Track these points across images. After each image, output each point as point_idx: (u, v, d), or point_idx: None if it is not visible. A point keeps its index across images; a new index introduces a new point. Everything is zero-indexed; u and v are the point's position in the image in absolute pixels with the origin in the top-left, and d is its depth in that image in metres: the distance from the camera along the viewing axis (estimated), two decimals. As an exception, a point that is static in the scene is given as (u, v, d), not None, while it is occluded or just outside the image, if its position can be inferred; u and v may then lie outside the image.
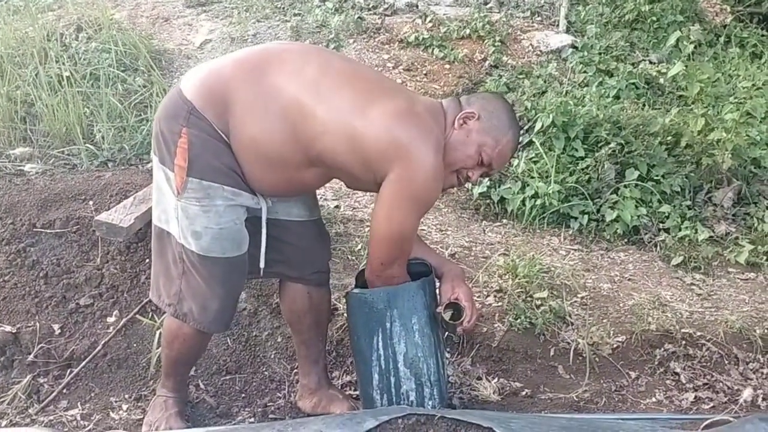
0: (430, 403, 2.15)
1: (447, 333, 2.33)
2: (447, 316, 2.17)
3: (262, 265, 2.17)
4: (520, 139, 3.74)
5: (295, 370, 2.59)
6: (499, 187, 3.61)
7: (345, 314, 2.56)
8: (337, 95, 1.96)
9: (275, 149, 1.97)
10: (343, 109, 1.95)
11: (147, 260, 2.80)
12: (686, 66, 4.60)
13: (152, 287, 2.20)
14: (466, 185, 2.26)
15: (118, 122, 3.75)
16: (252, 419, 2.44)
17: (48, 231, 2.86)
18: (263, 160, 1.99)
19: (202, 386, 2.58)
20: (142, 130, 3.66)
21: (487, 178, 3.47)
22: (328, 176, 2.09)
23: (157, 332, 2.56)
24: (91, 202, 2.95)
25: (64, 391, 2.54)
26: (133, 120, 3.75)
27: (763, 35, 5.27)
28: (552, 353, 2.68)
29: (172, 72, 4.31)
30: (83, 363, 2.59)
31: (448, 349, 2.63)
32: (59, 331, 2.67)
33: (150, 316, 2.65)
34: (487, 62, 4.62)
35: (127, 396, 2.53)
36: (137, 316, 2.69)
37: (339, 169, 2.01)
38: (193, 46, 4.59)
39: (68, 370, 2.60)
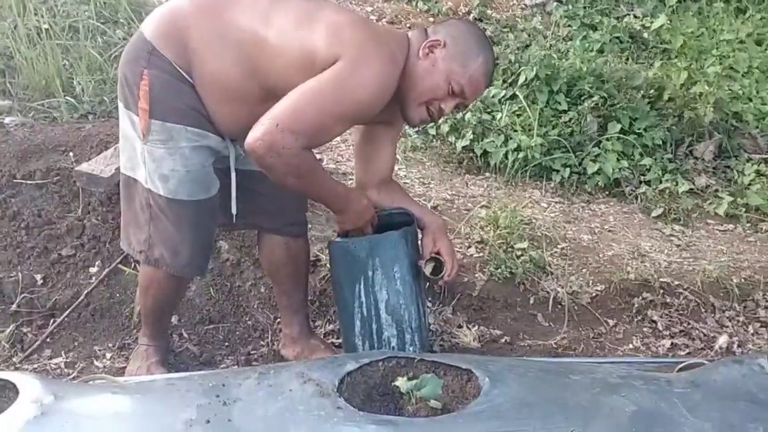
0: (411, 348, 2.18)
1: (428, 284, 2.34)
2: (428, 269, 2.19)
3: (233, 211, 2.16)
4: (505, 89, 3.77)
5: (278, 320, 2.61)
6: (482, 140, 3.61)
7: (327, 265, 2.58)
8: (284, 16, 1.92)
9: (234, 84, 1.95)
10: (290, 27, 1.91)
11: (129, 211, 2.79)
12: (670, 20, 4.60)
13: (122, 236, 2.20)
14: (439, 118, 2.12)
15: (98, 75, 3.70)
16: (235, 366, 2.47)
17: (28, 182, 2.84)
18: (224, 97, 1.97)
19: (185, 335, 2.60)
20: (123, 82, 3.61)
21: (463, 111, 3.26)
22: None
23: (140, 282, 2.57)
24: (71, 154, 2.93)
25: (48, 340, 2.55)
26: (113, 72, 3.69)
27: (748, -11, 5.26)
28: (531, 302, 2.72)
29: (153, 24, 4.23)
30: (66, 312, 2.60)
31: (429, 298, 2.66)
32: (42, 281, 2.67)
33: (132, 266, 2.66)
34: (472, 15, 4.59)
35: (110, 345, 2.55)
36: (119, 266, 2.69)
37: None
38: (174, -3, 4.51)
39: (51, 320, 2.61)
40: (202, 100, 1.98)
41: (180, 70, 1.95)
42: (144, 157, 2.01)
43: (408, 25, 4.49)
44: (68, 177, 2.83)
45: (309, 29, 1.90)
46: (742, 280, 2.83)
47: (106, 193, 2.77)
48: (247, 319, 2.68)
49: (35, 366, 2.44)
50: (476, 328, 2.62)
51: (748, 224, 3.31)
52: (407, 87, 1.98)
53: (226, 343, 2.60)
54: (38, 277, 2.68)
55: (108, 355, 2.51)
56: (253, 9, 1.95)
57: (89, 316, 2.62)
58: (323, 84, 1.84)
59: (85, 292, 2.65)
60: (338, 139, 3.38)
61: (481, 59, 1.99)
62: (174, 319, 2.60)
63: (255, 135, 1.83)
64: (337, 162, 3.43)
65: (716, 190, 3.51)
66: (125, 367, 2.38)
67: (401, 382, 1.65)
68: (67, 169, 2.84)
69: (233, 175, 2.13)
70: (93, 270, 2.72)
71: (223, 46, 1.93)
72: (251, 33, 1.92)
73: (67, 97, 3.52)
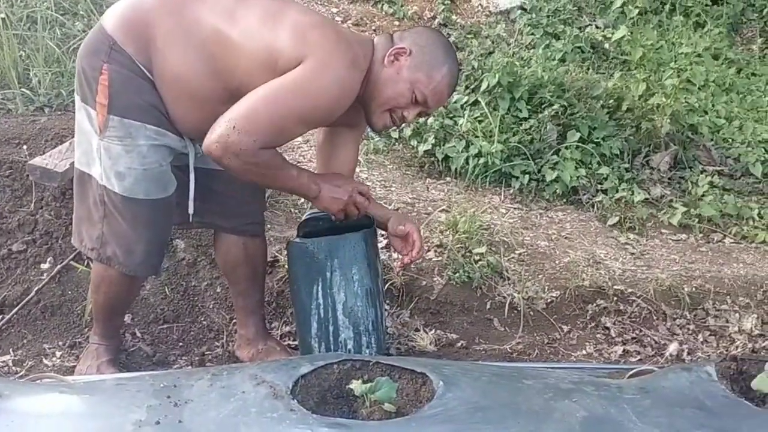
0: (368, 351, 2.18)
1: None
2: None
3: (191, 211, 2.14)
4: (468, 95, 3.79)
5: (234, 320, 2.59)
6: (443, 145, 3.62)
7: (286, 265, 2.57)
8: (250, 15, 1.91)
9: (197, 84, 1.92)
10: (254, 27, 1.89)
11: (83, 207, 2.75)
12: (631, 31, 4.68)
13: (74, 232, 2.16)
14: (401, 125, 2.16)
15: (56, 67, 3.63)
16: (189, 367, 2.44)
17: (-21, 175, 2.77)
18: (186, 97, 1.94)
19: (138, 334, 2.56)
20: (81, 75, 3.55)
21: (425, 118, 3.29)
22: None
23: (93, 279, 2.53)
24: (25, 147, 2.87)
25: (-4, 337, 2.50)
26: (71, 65, 3.62)
27: (707, 5, 5.36)
28: (488, 306, 2.74)
29: (114, 18, 4.18)
30: (15, 309, 2.54)
31: (387, 301, 2.66)
32: (-9, 277, 2.62)
33: (86, 263, 2.61)
34: (437, 20, 4.61)
35: (60, 343, 2.50)
36: (72, 262, 2.64)
37: None
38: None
39: (0, 317, 2.55)
40: (162, 98, 1.95)
41: (141, 67, 1.92)
42: (100, 153, 1.98)
43: (373, 28, 4.49)
44: (21, 171, 2.77)
45: (274, 29, 1.89)
46: (693, 289, 2.88)
47: (60, 188, 2.71)
48: (203, 319, 2.65)
49: (-19, 364, 2.39)
50: (433, 331, 2.63)
51: (701, 234, 3.38)
52: (371, 93, 1.98)
53: (180, 344, 2.57)
54: (-13, 272, 2.62)
55: (58, 354, 2.46)
56: (216, 6, 1.93)
57: (39, 314, 2.57)
58: (283, 87, 1.84)
59: (36, 288, 2.59)
60: (300, 139, 3.37)
61: (446, 69, 1.99)
62: (127, 318, 2.56)
63: (211, 137, 1.84)
64: (299, 162, 3.41)
65: (671, 201, 3.57)
66: (75, 366, 2.33)
67: (356, 385, 1.65)
68: (20, 163, 2.79)
69: (192, 174, 2.10)
70: (44, 266, 2.66)
71: (186, 43, 1.91)
72: (215, 31, 1.90)
73: (23, 89, 3.44)
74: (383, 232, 2.80)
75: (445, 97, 2.08)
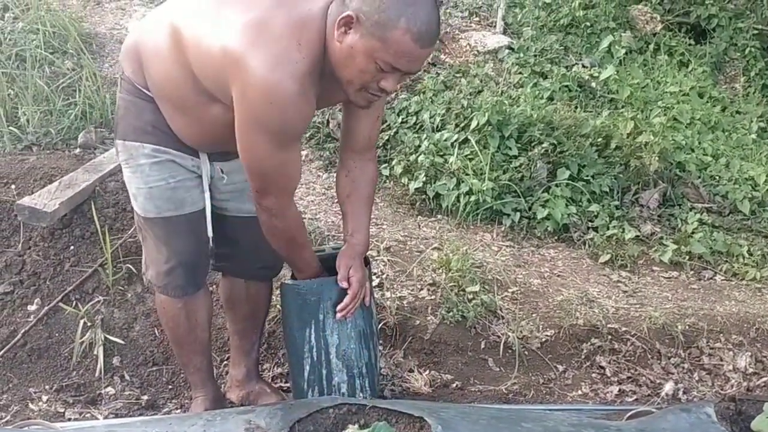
0: (362, 394, 2.14)
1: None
2: None
3: (209, 234, 2.11)
4: (458, 134, 3.80)
5: (225, 362, 2.55)
6: (434, 183, 3.63)
7: (278, 306, 2.53)
8: (199, 12, 1.83)
9: (174, 90, 1.90)
10: (197, 24, 1.81)
11: (71, 247, 2.71)
12: (617, 71, 4.74)
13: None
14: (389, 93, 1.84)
15: (45, 105, 3.62)
16: (179, 410, 2.38)
17: (-34, 215, 2.74)
18: (173, 106, 1.93)
19: (127, 378, 2.51)
20: (70, 114, 3.54)
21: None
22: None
23: (81, 321, 2.49)
24: (13, 186, 2.84)
25: (-20, 381, 2.44)
26: (60, 103, 3.62)
27: (690, 44, 5.45)
28: (482, 346, 2.71)
29: (104, 56, 4.19)
30: (1, 352, 2.49)
31: (380, 341, 2.63)
32: (-24, 319, 2.57)
33: (74, 304, 2.57)
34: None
35: (47, 387, 2.44)
36: (60, 304, 2.60)
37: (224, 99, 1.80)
38: (126, 30, 4.47)
39: (-15, 360, 2.50)
40: (164, 115, 1.96)
41: (139, 87, 1.96)
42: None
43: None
44: (9, 210, 2.74)
45: (213, 27, 1.77)
46: (687, 327, 2.87)
47: (49, 228, 2.69)
48: (193, 360, 2.60)
49: (-35, 409, 2.33)
50: (427, 372, 2.59)
51: (692, 272, 3.38)
52: (337, 73, 1.75)
53: (170, 386, 2.52)
54: (-27, 314, 2.57)
55: (44, 398, 2.40)
56: (185, 7, 1.89)
57: (25, 357, 2.52)
58: (243, 132, 1.77)
59: (23, 331, 2.54)
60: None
61: (403, 23, 1.63)
62: (116, 361, 2.51)
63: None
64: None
65: (661, 238, 3.58)
66: (62, 411, 2.28)
67: (352, 431, 1.62)
68: (8, 203, 2.76)
69: (207, 195, 2.08)
70: (32, 308, 2.62)
71: (160, 52, 1.90)
72: (176, 31, 1.85)
73: (11, 128, 3.43)
74: (376, 271, 2.81)
75: (417, 53, 1.68)
